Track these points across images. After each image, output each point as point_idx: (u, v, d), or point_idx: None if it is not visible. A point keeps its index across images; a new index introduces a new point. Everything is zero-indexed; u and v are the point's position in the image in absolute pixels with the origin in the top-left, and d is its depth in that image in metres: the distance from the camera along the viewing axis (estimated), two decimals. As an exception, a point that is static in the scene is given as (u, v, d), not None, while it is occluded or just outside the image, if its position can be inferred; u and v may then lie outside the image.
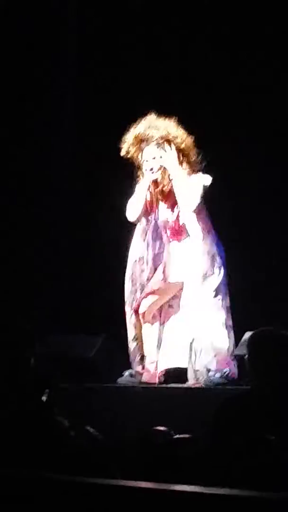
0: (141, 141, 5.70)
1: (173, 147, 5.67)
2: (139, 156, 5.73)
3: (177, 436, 3.30)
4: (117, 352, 5.98)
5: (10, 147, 7.21)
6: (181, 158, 5.71)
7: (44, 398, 3.46)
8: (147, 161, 5.71)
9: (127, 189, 5.89)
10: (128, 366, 5.79)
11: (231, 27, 6.94)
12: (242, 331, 5.53)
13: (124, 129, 5.76)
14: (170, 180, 5.70)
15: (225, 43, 6.95)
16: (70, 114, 7.48)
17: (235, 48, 6.92)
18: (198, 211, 5.66)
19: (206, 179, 5.66)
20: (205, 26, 7.03)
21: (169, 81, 7.07)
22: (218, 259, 5.64)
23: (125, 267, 5.83)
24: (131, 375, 5.63)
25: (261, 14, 6.84)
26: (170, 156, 5.67)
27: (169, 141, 5.67)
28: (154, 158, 5.68)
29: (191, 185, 5.64)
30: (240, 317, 5.70)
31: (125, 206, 5.82)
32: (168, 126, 5.70)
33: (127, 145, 5.72)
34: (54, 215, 7.26)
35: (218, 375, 5.40)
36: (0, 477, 2.58)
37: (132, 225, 5.87)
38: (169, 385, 5.55)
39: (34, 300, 6.91)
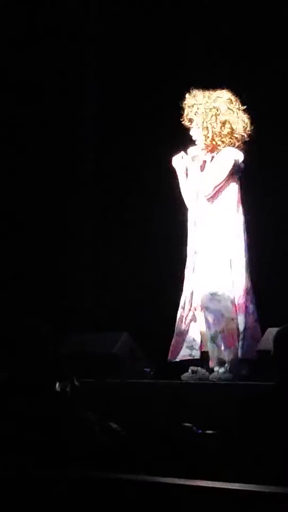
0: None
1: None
2: None
3: (202, 431, 3.29)
4: (139, 349, 5.98)
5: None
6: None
7: (63, 388, 3.43)
8: None
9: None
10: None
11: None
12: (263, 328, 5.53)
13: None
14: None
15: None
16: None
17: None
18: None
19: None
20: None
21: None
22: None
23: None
24: (192, 372, 5.62)
25: None
26: None
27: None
28: None
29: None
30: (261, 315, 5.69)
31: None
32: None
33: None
34: (77, 213, 7.28)
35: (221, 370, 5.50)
36: (27, 476, 2.58)
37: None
38: (193, 381, 5.56)
39: (56, 298, 6.92)
